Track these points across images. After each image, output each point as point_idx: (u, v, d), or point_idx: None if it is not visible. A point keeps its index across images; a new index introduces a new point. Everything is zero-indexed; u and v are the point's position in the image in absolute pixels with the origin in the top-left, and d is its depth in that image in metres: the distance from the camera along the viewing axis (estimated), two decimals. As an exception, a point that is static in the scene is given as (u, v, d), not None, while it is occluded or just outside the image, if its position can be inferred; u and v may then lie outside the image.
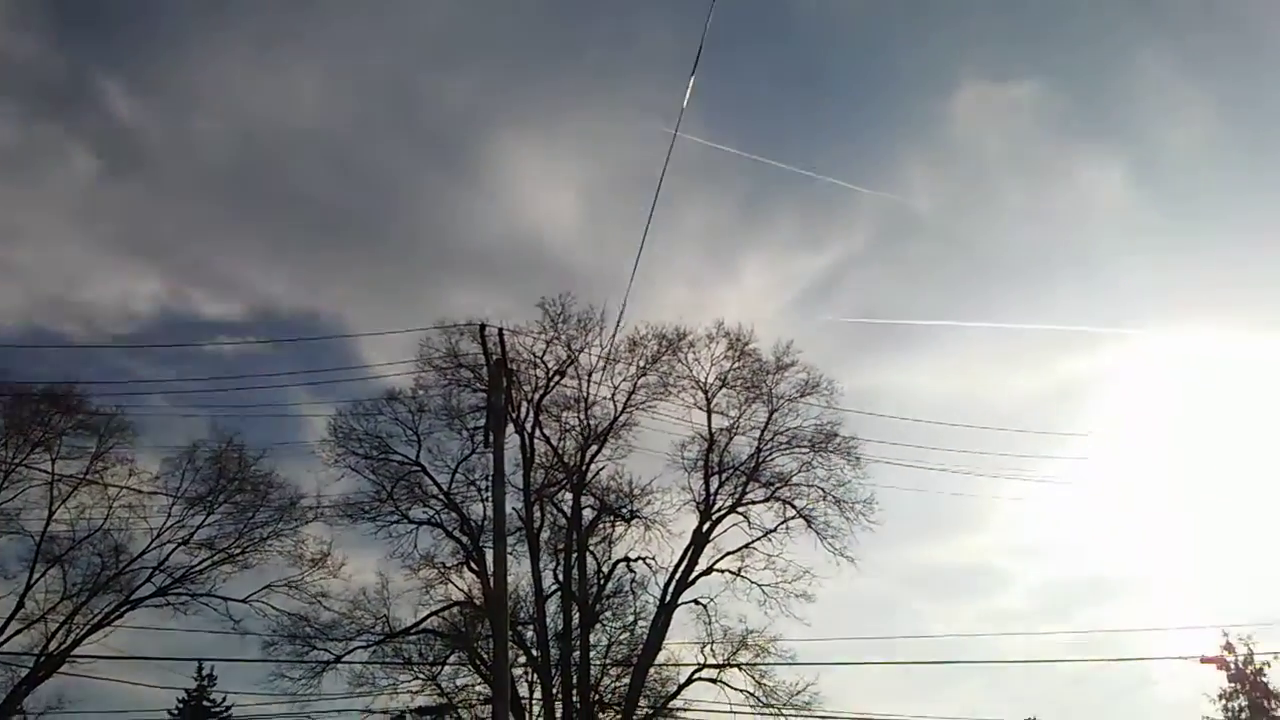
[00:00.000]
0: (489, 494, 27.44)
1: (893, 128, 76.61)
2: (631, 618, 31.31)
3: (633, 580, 31.43)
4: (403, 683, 29.59)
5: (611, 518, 31.73)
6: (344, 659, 29.12)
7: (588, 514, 31.57)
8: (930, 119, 73.07)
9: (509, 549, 24.01)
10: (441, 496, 30.62)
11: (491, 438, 20.69)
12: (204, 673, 40.52)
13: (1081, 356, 67.03)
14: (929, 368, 62.37)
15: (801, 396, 31.51)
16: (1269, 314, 61.92)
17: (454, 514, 30.61)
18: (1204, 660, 29.63)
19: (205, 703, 40.54)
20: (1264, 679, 30.65)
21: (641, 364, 31.65)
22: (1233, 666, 30.84)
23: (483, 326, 24.98)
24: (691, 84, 10.88)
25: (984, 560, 61.60)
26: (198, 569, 31.19)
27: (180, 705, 40.00)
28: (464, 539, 30.41)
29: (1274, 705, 30.85)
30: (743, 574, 30.60)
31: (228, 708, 40.38)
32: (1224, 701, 31.31)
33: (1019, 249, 70.37)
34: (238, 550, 31.52)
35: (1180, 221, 70.39)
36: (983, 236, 71.82)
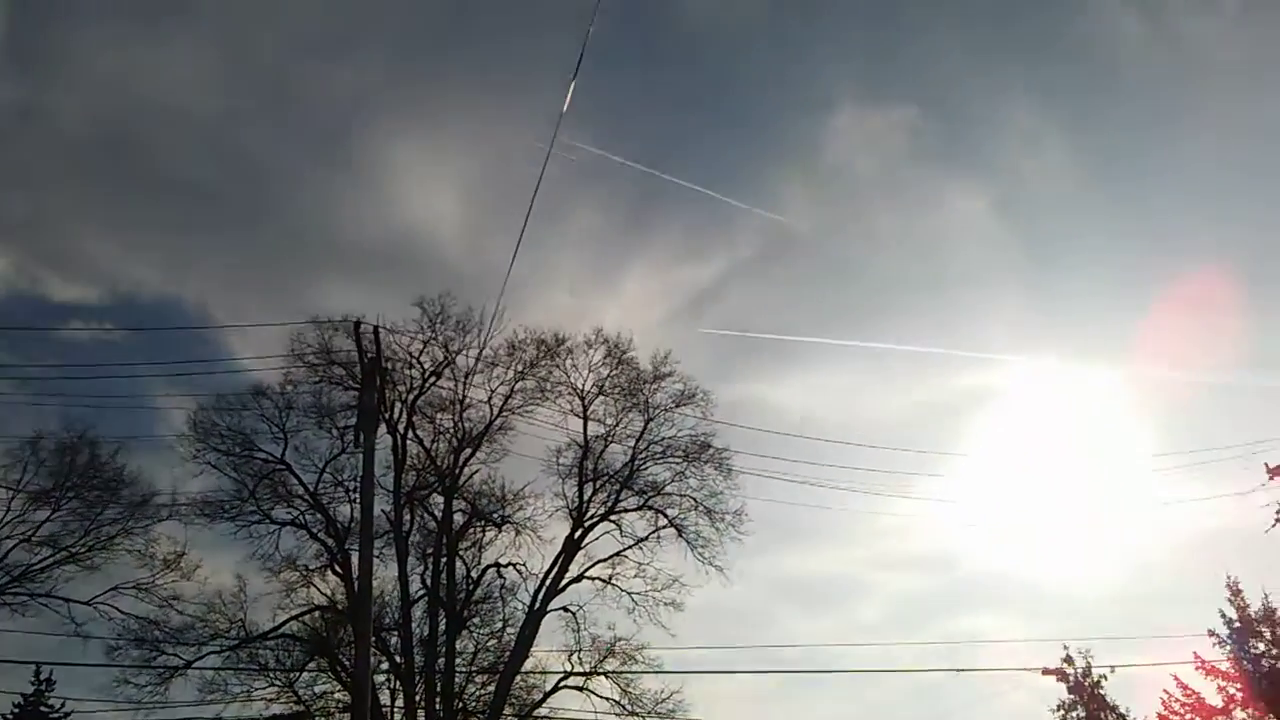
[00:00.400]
0: (357, 495, 27.02)
1: (770, 146, 78.41)
2: (500, 624, 31.12)
3: (502, 586, 31.24)
4: (258, 690, 28.62)
5: (483, 523, 31.42)
6: (195, 664, 27.96)
7: (459, 518, 31.20)
8: (807, 139, 75.14)
9: (376, 552, 23.54)
10: (307, 497, 29.74)
11: (362, 437, 20.19)
12: (41, 677, 38.16)
13: (946, 377, 69.74)
14: (802, 383, 63.98)
15: (677, 407, 31.89)
16: (1110, 344, 65.50)
17: (319, 515, 29.77)
18: (1045, 672, 31.23)
19: (43, 708, 38.19)
20: (1101, 691, 32.30)
21: (519, 368, 31.51)
22: (1072, 679, 32.44)
23: (358, 323, 24.24)
24: (572, 88, 10.95)
25: (848, 572, 63.46)
26: (38, 568, 29.40)
27: (15, 710, 37.59)
28: (329, 541, 29.61)
29: (1109, 717, 32.53)
30: (613, 582, 30.77)
31: (66, 714, 38.12)
32: (1062, 713, 32.85)
33: (889, 272, 72.81)
34: (83, 549, 29.83)
35: (1039, 249, 74.02)
36: (855, 258, 74.08)
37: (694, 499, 31.07)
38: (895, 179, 74.99)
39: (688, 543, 30.69)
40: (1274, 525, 25.38)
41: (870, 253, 72.94)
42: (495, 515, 31.19)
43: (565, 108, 11.35)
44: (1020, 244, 74.15)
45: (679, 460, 31.46)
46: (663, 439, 31.74)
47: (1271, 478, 25.35)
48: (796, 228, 68.28)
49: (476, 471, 31.43)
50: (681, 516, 30.97)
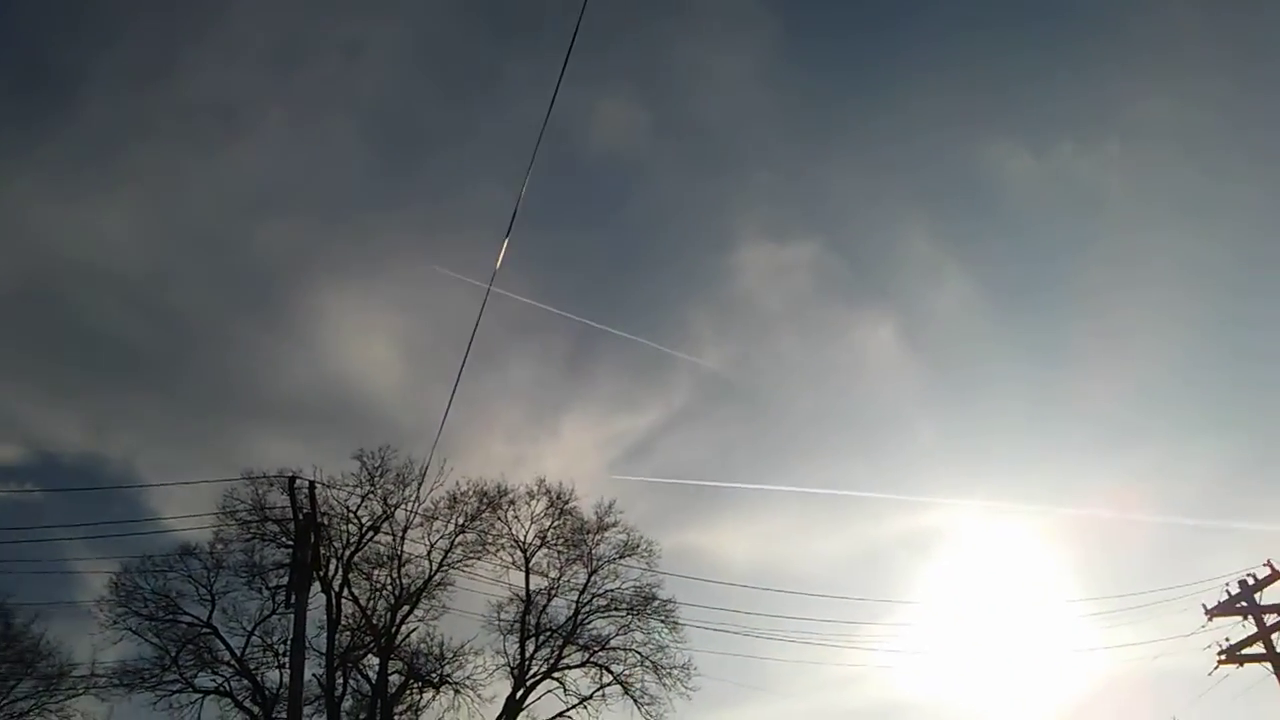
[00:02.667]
0: (288, 659, 25.79)
1: (688, 287, 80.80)
2: (438, 796, 29.40)
3: (439, 755, 29.69)
4: None
5: (420, 684, 30.12)
6: None
7: (395, 679, 29.86)
8: (718, 277, 77.24)
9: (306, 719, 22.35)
10: (233, 662, 28.34)
11: (294, 597, 19.51)
12: None
13: (878, 521, 69.77)
14: (741, 530, 63.58)
15: (621, 558, 31.46)
16: (1032, 484, 66.49)
17: (246, 681, 28.30)
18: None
19: None
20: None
21: (461, 521, 30.93)
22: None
23: (293, 478, 23.82)
24: (505, 244, 11.21)
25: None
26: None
27: None
28: (255, 709, 28.05)
29: None
30: (558, 744, 29.53)
31: None
32: None
33: (810, 410, 73.99)
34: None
35: (948, 378, 75.88)
36: (778, 397, 75.24)
37: (639, 654, 30.34)
38: (801, 311, 77.14)
39: (634, 700, 29.78)
40: (1216, 667, 25.45)
41: (787, 388, 74.09)
42: (433, 675, 29.98)
43: (499, 263, 11.60)
44: (929, 373, 76.09)
45: (624, 613, 30.84)
46: (607, 591, 31.19)
47: (1210, 618, 25.58)
48: (725, 373, 69.51)
49: (414, 629, 30.38)
50: (627, 672, 30.17)
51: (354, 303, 69.37)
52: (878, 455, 68.97)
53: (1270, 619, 24.92)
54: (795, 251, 75.43)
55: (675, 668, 30.09)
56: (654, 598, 30.87)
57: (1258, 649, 24.87)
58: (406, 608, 30.05)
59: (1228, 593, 25.62)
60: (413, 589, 30.25)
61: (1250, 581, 25.28)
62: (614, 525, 31.64)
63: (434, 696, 30.05)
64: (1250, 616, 25.18)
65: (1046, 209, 74.61)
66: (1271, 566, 25.10)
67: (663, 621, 30.58)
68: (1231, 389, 69.81)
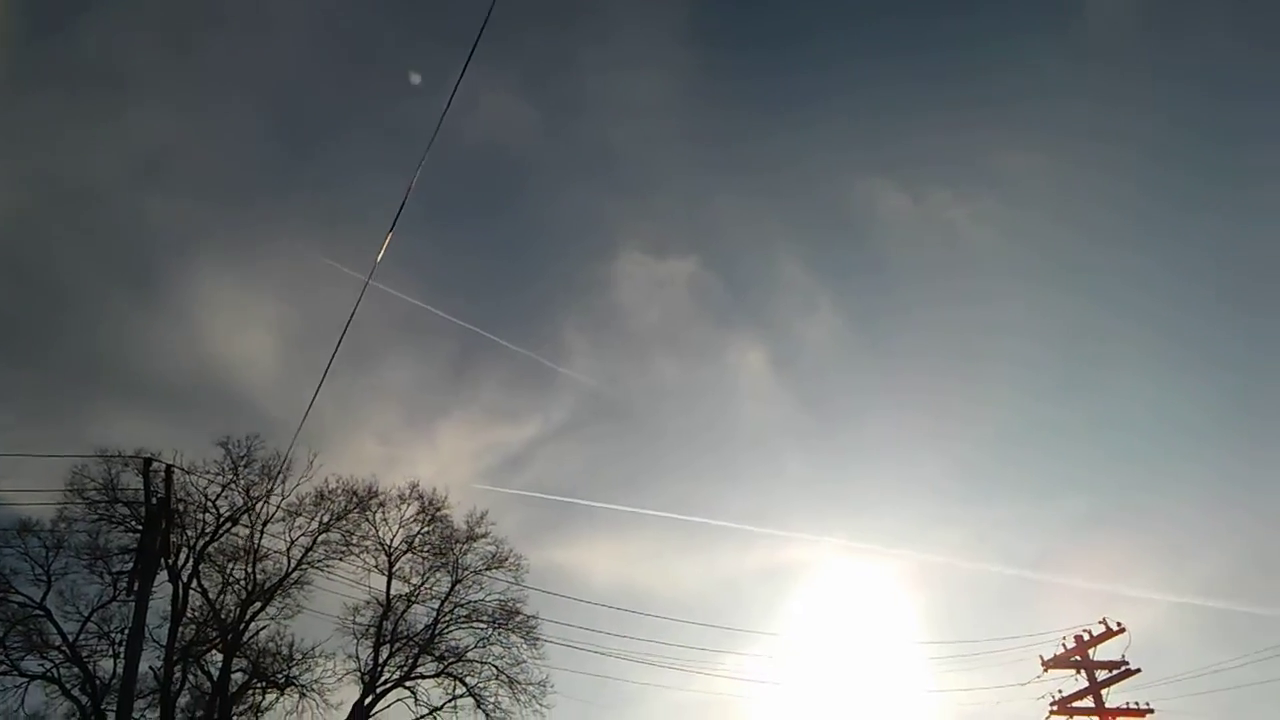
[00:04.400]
0: (124, 648, 24.62)
1: (564, 294, 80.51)
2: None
3: (278, 758, 28.69)
4: None
5: (264, 684, 29.07)
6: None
7: (238, 678, 28.76)
8: (594, 285, 77.01)
9: (137, 714, 21.36)
10: (65, 648, 26.83)
11: (137, 584, 18.65)
12: None
13: (744, 551, 70.56)
14: (606, 550, 63.52)
15: (488, 569, 31.07)
16: (893, 527, 68.34)
17: (77, 669, 26.83)
18: None
19: None
20: None
21: (326, 519, 30.09)
22: None
23: (149, 460, 22.84)
24: (389, 238, 10.99)
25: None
26: None
27: None
28: (84, 699, 26.60)
29: None
30: (402, 755, 28.93)
31: None
32: None
33: (676, 431, 74.03)
34: None
35: (816, 409, 77.11)
36: (647, 415, 75.53)
37: (496, 667, 29.98)
38: (676, 329, 77.54)
39: (485, 714, 29.41)
40: (1048, 718, 26.57)
41: (659, 407, 74.28)
42: (279, 676, 28.99)
43: (380, 257, 11.37)
44: (797, 403, 76.66)
45: (485, 626, 30.47)
46: (470, 602, 30.78)
47: (1045, 670, 26.73)
48: (601, 389, 69.64)
49: (264, 627, 29.37)
50: (482, 686, 29.76)
51: (236, 286, 66.91)
52: (744, 484, 69.53)
53: (1101, 675, 26.19)
54: (673, 266, 75.84)
55: (532, 684, 29.88)
56: (517, 612, 30.62)
57: (1088, 702, 26.09)
58: (258, 604, 29.03)
59: (1064, 646, 26.81)
60: (267, 585, 29.27)
61: (1085, 637, 26.53)
62: (484, 536, 31.32)
63: (278, 698, 29.08)
64: (1083, 671, 26.41)
65: (920, 252, 76.44)
66: (1106, 624, 26.39)
67: (523, 637, 30.34)
68: (1084, 448, 73.17)
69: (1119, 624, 26.27)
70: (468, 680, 29.73)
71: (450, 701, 29.55)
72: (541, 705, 29.66)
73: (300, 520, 29.72)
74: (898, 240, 76.87)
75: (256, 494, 29.26)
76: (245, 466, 29.08)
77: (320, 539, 29.90)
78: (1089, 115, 74.10)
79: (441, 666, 29.86)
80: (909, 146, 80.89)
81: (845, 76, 79.74)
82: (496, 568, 31.02)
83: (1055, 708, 26.40)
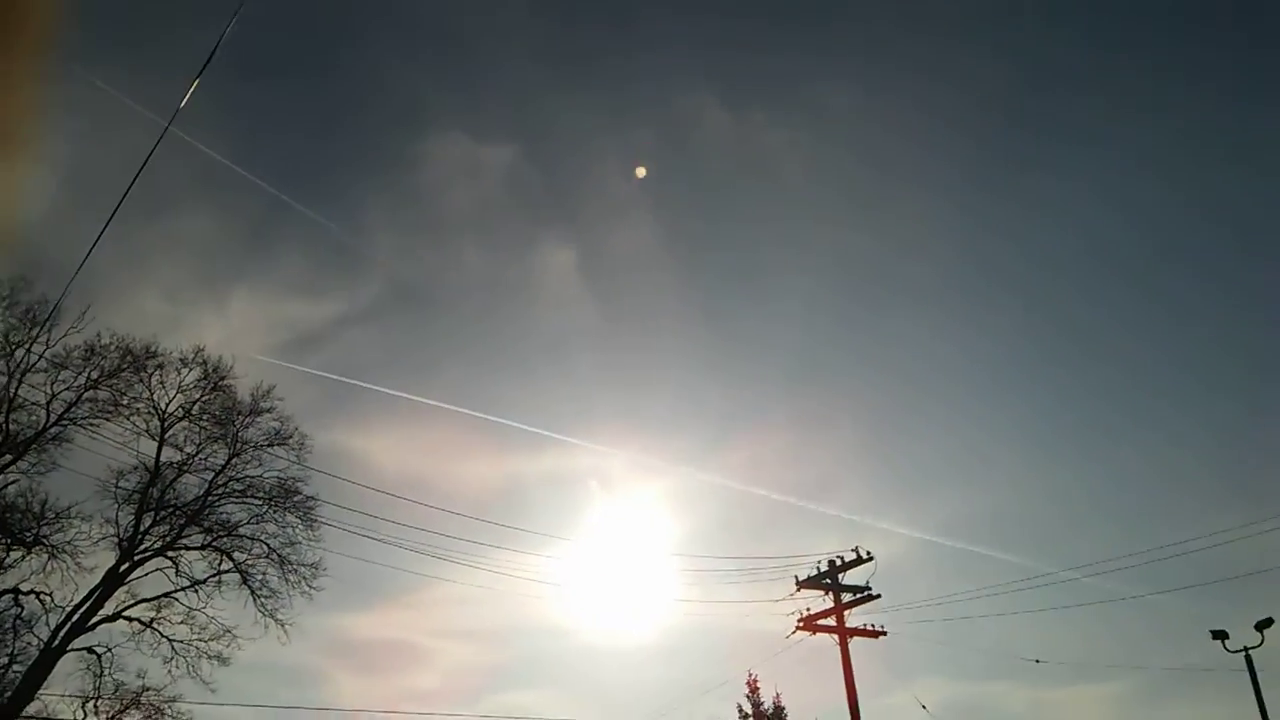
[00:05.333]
0: None
1: (373, 170, 77.84)
2: (6, 660, 26.76)
3: (17, 617, 27.04)
4: None
5: (9, 540, 27.15)
6: None
7: (-21, 533, 26.72)
8: (403, 163, 74.93)
9: None
10: None
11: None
12: None
13: (535, 453, 71.27)
14: (395, 438, 62.76)
15: (269, 445, 30.06)
16: (671, 444, 70.82)
17: None
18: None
19: None
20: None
21: (95, 375, 28.05)
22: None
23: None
24: (195, 83, 10.20)
25: (410, 639, 62.25)
26: None
27: None
28: None
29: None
30: (155, 626, 27.93)
31: None
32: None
33: (476, 325, 73.16)
34: None
35: (615, 321, 76.93)
36: (450, 305, 74.37)
37: (268, 545, 29.28)
38: (489, 219, 76.06)
39: (251, 591, 28.78)
40: (794, 632, 28.90)
41: (463, 298, 73.06)
42: (27, 534, 27.14)
43: (184, 102, 10.51)
44: (601, 311, 76.51)
45: (260, 502, 29.58)
46: (246, 477, 29.75)
47: (799, 589, 28.97)
48: (406, 272, 67.92)
49: (15, 482, 27.30)
50: (250, 562, 29.06)
51: (16, 113, 59.92)
52: (540, 387, 69.70)
53: (847, 597, 28.68)
54: (492, 154, 74.05)
55: (303, 565, 29.41)
56: (296, 492, 29.89)
57: (832, 621, 28.55)
58: (9, 456, 26.93)
59: (818, 569, 29.12)
60: (21, 438, 27.15)
61: (838, 562, 28.91)
62: (269, 411, 30.20)
63: (24, 557, 27.23)
64: (831, 593, 28.83)
65: (736, 174, 77.61)
66: (858, 552, 28.82)
67: (300, 517, 29.70)
68: (856, 386, 77.43)
69: (868, 553, 28.78)
70: (236, 555, 28.97)
71: (215, 576, 28.74)
72: (311, 587, 29.35)
73: (65, 374, 27.63)
74: (716, 157, 77.05)
75: (16, 339, 26.93)
76: (8, 309, 26.69)
77: (87, 395, 27.93)
78: (913, 50, 75.75)
79: (209, 539, 28.89)
80: (733, 63, 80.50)
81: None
82: (279, 445, 30.10)
83: (802, 623, 28.73)
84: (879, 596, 28.71)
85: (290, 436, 30.21)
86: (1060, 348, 76.67)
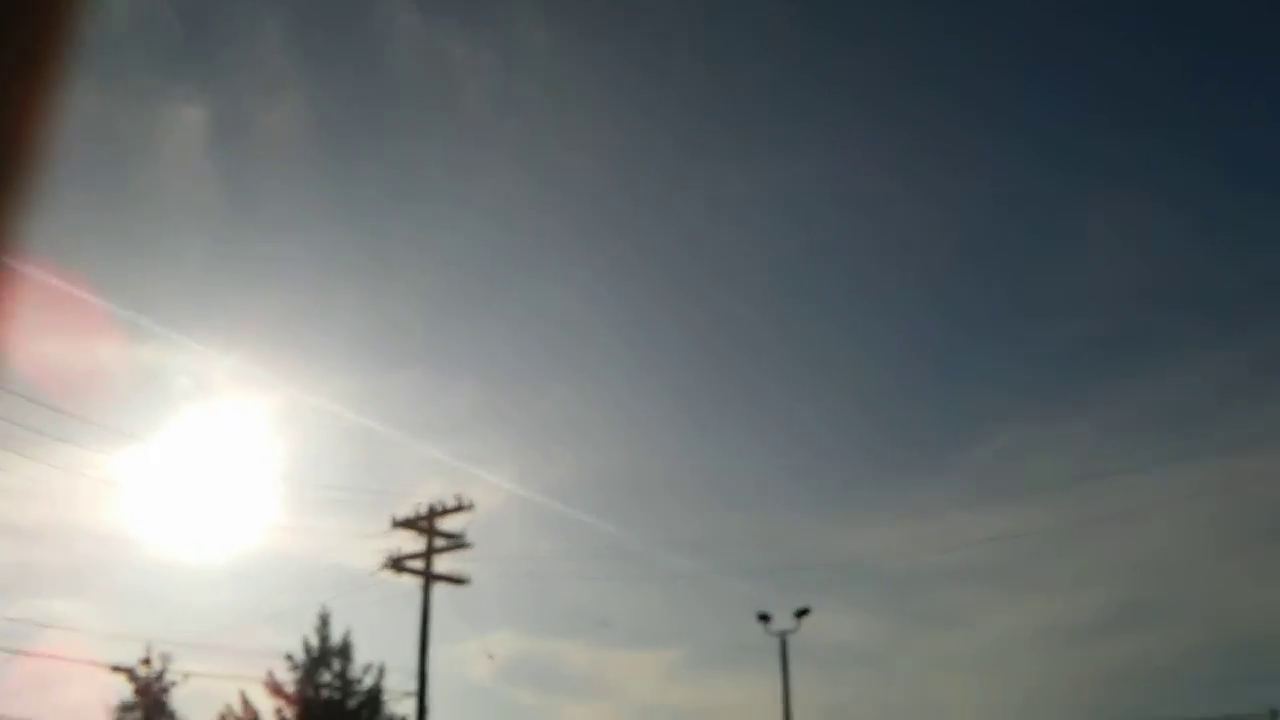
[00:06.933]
0: None
1: None
2: None
3: None
4: None
5: None
6: None
7: None
8: None
9: None
10: None
11: None
12: None
13: (126, 343, 62.40)
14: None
15: None
16: (274, 361, 66.52)
17: None
18: (115, 669, 29.78)
19: None
20: (165, 696, 31.55)
21: None
22: (141, 680, 31.18)
23: None
24: None
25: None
26: None
27: None
28: None
29: (165, 721, 31.84)
30: None
31: None
32: (120, 713, 31.26)
33: (85, 179, 61.46)
34: None
35: (245, 208, 67.62)
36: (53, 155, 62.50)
37: None
38: (114, 57, 64.35)
39: None
40: (379, 570, 27.84)
41: (69, 149, 61.30)
42: None
43: None
44: (225, 194, 65.59)
45: None
46: None
47: (394, 528, 27.93)
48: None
49: None
50: None
51: None
52: (145, 264, 59.32)
53: (440, 543, 28.06)
54: None
55: None
56: None
57: (420, 565, 27.79)
58: None
59: (417, 512, 28.25)
60: None
61: (439, 507, 28.19)
62: None
63: None
64: (425, 535, 28.07)
65: (418, 84, 70.50)
66: (459, 500, 28.24)
67: None
68: (493, 331, 74.73)
69: (471, 501, 28.35)
70: None
71: None
72: None
73: None
74: (400, 61, 69.78)
75: None
76: None
77: None
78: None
79: None
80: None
81: None
82: None
83: (390, 563, 27.75)
84: (471, 546, 28.42)
85: None
86: (704, 331, 78.65)
